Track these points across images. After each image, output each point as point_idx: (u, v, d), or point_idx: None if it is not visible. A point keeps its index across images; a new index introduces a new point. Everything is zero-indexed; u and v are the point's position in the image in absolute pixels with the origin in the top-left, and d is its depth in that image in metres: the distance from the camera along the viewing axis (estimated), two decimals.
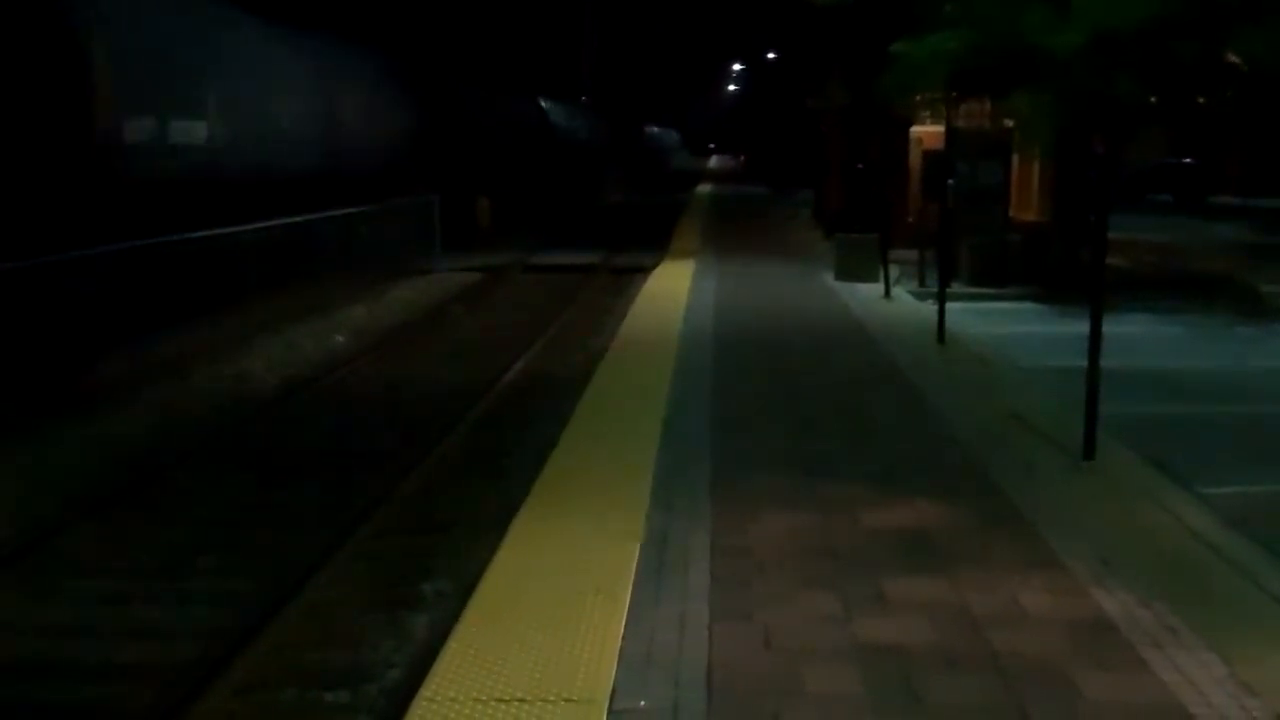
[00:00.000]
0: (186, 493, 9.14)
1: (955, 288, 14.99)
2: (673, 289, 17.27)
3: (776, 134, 48.40)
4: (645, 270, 20.54)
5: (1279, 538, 6.39)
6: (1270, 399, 10.29)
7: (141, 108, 14.65)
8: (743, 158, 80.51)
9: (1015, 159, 18.32)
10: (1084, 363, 8.05)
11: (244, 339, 15.16)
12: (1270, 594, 5.65)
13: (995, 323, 14.41)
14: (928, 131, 19.23)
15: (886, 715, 4.51)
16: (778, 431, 8.88)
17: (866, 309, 15.45)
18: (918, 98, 15.64)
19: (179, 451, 10.18)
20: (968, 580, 5.80)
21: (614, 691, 4.63)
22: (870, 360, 11.91)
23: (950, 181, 14.91)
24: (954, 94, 13.73)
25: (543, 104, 42.16)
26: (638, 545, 6.21)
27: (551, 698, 4.57)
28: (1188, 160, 39.29)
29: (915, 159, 21.30)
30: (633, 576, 5.79)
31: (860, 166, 23.38)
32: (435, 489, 9.16)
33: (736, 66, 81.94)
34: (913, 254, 17.70)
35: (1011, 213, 18.46)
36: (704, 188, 55.31)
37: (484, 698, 4.58)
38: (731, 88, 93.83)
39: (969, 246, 16.92)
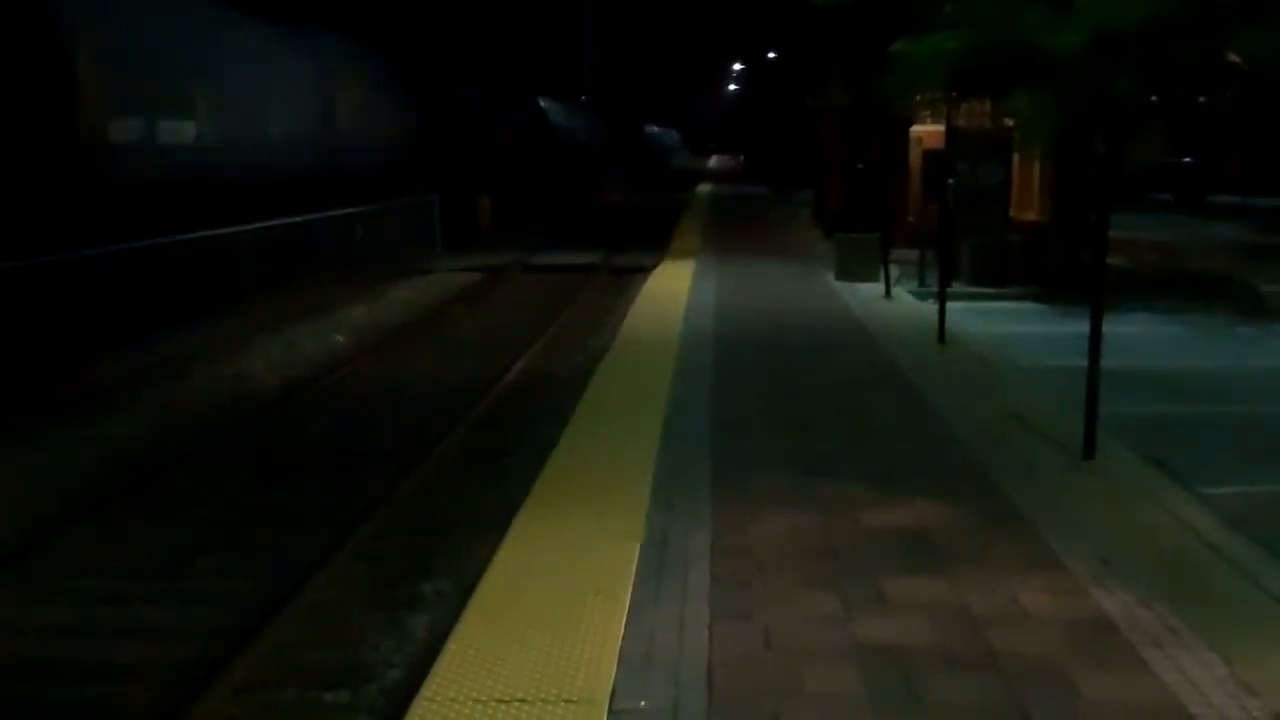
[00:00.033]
0: (186, 493, 9.15)
1: (955, 287, 14.99)
2: (673, 289, 17.27)
3: (776, 134, 48.36)
4: (645, 270, 20.53)
5: (1279, 538, 6.39)
6: (1270, 399, 10.29)
7: (127, 108, 14.64)
8: (742, 157, 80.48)
9: (1015, 159, 18.29)
10: (1084, 362, 8.05)
11: (244, 339, 15.17)
12: (1270, 594, 5.65)
13: (995, 322, 14.41)
14: (928, 131, 19.20)
15: (886, 715, 4.51)
16: (778, 431, 8.88)
17: (867, 309, 15.45)
18: (918, 98, 15.61)
19: (179, 451, 10.18)
20: (968, 580, 5.80)
21: (614, 692, 4.63)
22: (870, 360, 11.91)
23: (950, 181, 14.90)
24: (954, 94, 13.71)
25: (542, 104, 42.18)
26: (638, 545, 6.22)
27: (551, 698, 4.58)
28: (1188, 160, 39.31)
29: (915, 159, 21.27)
30: (633, 576, 5.79)
31: (860, 166, 23.37)
32: (435, 489, 9.16)
33: (736, 66, 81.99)
34: (913, 254, 17.69)
35: (1012, 212, 18.45)
36: (704, 187, 55.27)
37: (484, 698, 4.58)
38: (731, 88, 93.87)
39: (969, 246, 16.92)
